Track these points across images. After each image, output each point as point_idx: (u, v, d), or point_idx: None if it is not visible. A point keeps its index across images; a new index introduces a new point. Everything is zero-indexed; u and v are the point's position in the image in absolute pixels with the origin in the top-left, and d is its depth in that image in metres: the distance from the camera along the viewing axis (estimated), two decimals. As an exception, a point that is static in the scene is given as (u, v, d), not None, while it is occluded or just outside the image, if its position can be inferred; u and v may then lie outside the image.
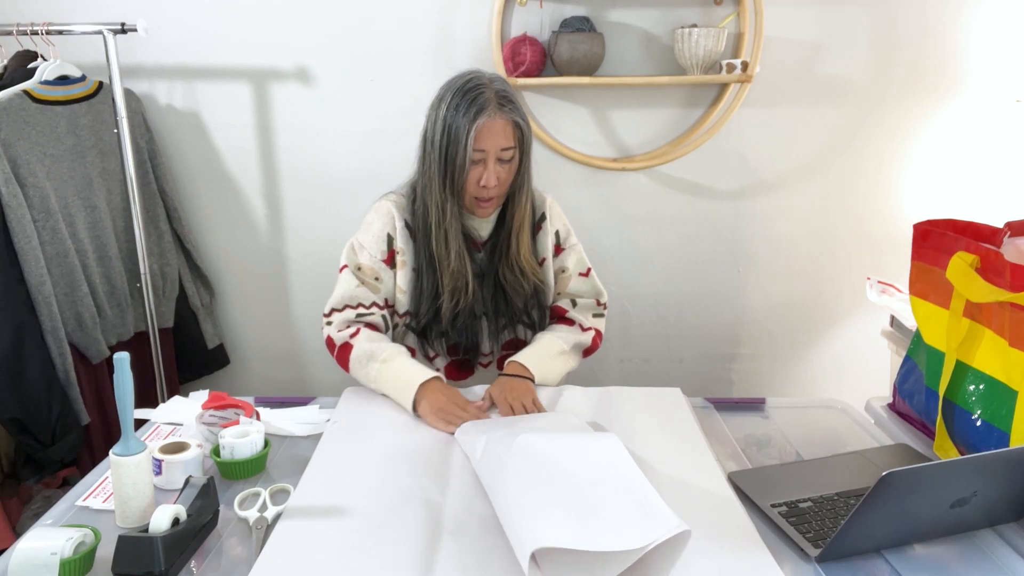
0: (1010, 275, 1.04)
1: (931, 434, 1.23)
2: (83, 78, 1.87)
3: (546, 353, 1.47)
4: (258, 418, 1.28)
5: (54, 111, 1.78)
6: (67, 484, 1.89)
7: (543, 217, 1.54)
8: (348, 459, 1.16)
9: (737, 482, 1.12)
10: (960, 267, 1.12)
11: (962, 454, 1.16)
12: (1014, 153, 2.14)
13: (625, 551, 0.85)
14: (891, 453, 1.21)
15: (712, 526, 0.99)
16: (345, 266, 1.49)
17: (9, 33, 1.77)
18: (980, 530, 1.02)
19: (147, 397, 2.02)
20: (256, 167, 2.14)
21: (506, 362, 1.45)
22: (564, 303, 1.58)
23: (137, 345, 2.02)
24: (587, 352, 1.56)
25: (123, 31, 1.81)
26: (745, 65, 1.96)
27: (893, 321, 1.95)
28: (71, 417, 1.73)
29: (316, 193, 2.16)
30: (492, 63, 2.01)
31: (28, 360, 1.65)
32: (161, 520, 0.91)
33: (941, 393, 1.18)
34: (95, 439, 1.85)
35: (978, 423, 1.12)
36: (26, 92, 1.72)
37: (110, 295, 1.93)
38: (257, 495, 1.08)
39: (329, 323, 1.47)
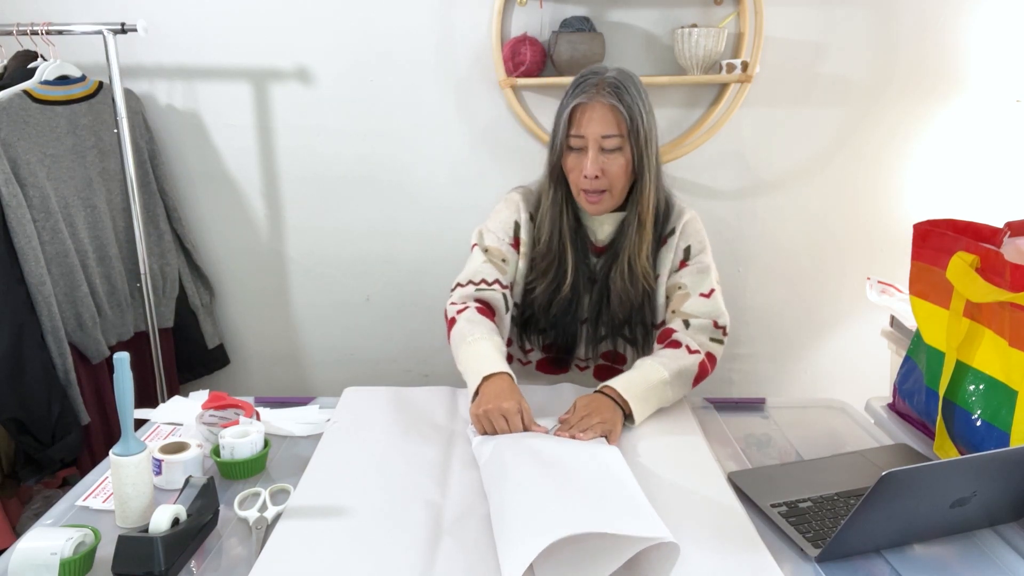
0: (1010, 275, 1.04)
1: (931, 434, 1.23)
2: (83, 78, 1.87)
3: (645, 381, 1.29)
4: (258, 418, 1.28)
5: (54, 111, 1.78)
6: (67, 484, 1.89)
7: (671, 232, 1.44)
8: (348, 459, 1.16)
9: (737, 482, 1.12)
10: (960, 267, 1.12)
11: (962, 454, 1.16)
12: (1014, 153, 2.14)
13: (615, 548, 0.85)
14: (891, 453, 1.21)
15: (712, 526, 0.99)
16: (475, 244, 1.48)
17: (9, 33, 1.77)
18: (980, 530, 1.01)
19: (147, 397, 2.02)
20: (256, 167, 2.14)
21: (603, 385, 1.30)
22: (675, 323, 1.42)
23: (137, 345, 2.02)
24: (696, 380, 1.37)
25: (123, 31, 1.81)
26: (745, 65, 1.96)
27: (893, 321, 1.95)
28: (71, 417, 1.73)
29: (316, 193, 2.17)
30: (492, 63, 2.01)
31: (28, 360, 1.65)
32: (161, 520, 0.91)
33: (941, 393, 1.18)
34: (95, 439, 1.85)
35: (978, 423, 1.12)
36: (26, 92, 1.72)
37: (110, 295, 1.93)
38: (257, 495, 1.08)
39: (451, 297, 1.45)
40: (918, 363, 1.29)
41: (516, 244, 1.47)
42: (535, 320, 1.49)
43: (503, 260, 1.46)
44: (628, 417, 1.26)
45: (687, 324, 1.42)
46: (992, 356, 1.11)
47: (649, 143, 1.36)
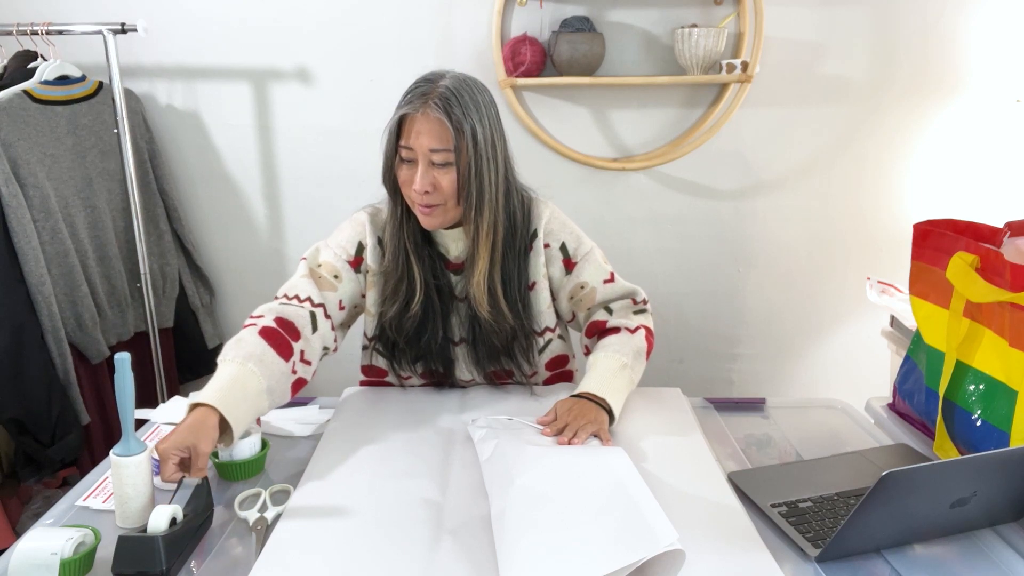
0: (1010, 275, 1.04)
1: (931, 434, 1.23)
2: (83, 78, 1.87)
3: (610, 373, 1.29)
4: (258, 419, 1.28)
5: (54, 111, 1.78)
6: (67, 484, 1.89)
7: (534, 235, 1.36)
8: (348, 459, 1.16)
9: (737, 482, 1.11)
10: (960, 267, 1.12)
11: (962, 454, 1.16)
12: (1014, 153, 2.14)
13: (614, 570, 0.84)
14: (891, 453, 1.21)
15: (712, 526, 0.99)
16: (303, 259, 1.36)
17: (9, 33, 1.77)
18: (980, 530, 1.01)
19: (147, 397, 2.02)
20: (256, 167, 2.14)
21: (576, 392, 1.29)
22: (600, 314, 1.41)
23: (137, 345, 2.02)
24: (646, 354, 1.37)
25: (123, 31, 1.81)
26: (745, 65, 1.96)
27: (893, 321, 1.95)
28: (71, 417, 1.73)
29: (316, 193, 2.17)
30: (492, 63, 2.01)
31: (28, 360, 1.65)
32: (159, 520, 0.91)
33: (941, 393, 1.18)
34: (95, 439, 1.85)
35: (978, 423, 1.12)
36: (26, 92, 1.72)
37: (110, 295, 1.93)
38: (257, 496, 1.08)
39: (252, 314, 1.30)
40: (918, 363, 1.29)
41: (356, 263, 1.35)
42: (399, 347, 1.37)
43: (335, 276, 1.33)
44: (609, 413, 1.25)
45: (610, 311, 1.41)
46: (992, 356, 1.11)
47: (486, 158, 1.24)
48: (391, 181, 1.30)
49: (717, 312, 2.30)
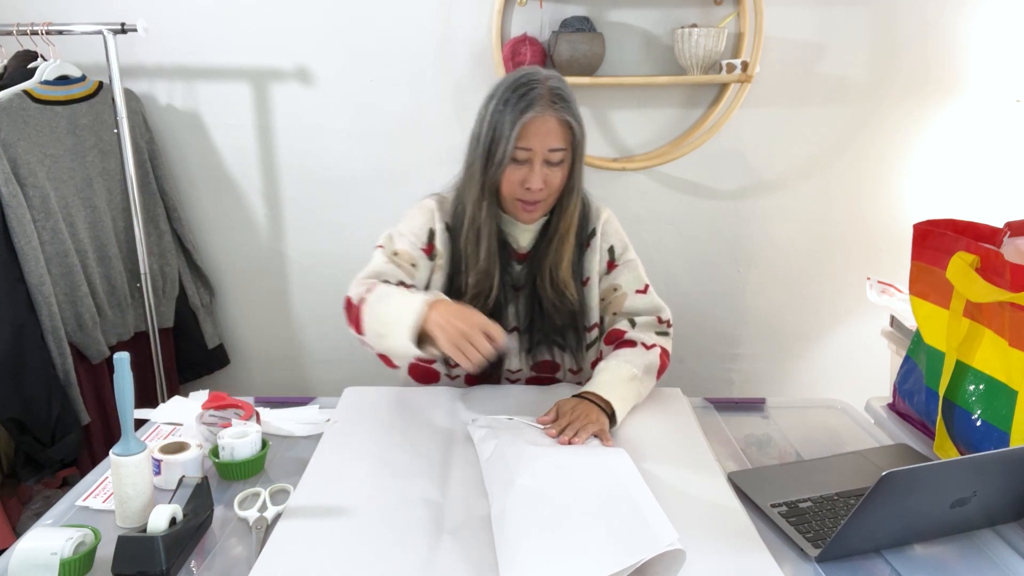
0: (1010, 275, 1.04)
1: (931, 434, 1.23)
2: (83, 78, 1.87)
3: (617, 379, 1.30)
4: (258, 418, 1.28)
5: (54, 111, 1.78)
6: (67, 484, 1.89)
7: (592, 233, 1.43)
8: (348, 459, 1.16)
9: (737, 482, 1.11)
10: (960, 267, 1.12)
11: (962, 454, 1.16)
12: (1014, 153, 2.14)
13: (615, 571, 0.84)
14: (891, 453, 1.21)
15: (712, 526, 0.99)
16: (380, 247, 1.39)
17: (9, 33, 1.77)
18: (980, 530, 1.01)
19: (147, 397, 2.02)
20: (256, 167, 2.14)
21: (581, 391, 1.30)
22: (622, 324, 1.42)
23: (137, 345, 2.02)
24: (658, 374, 1.39)
25: (123, 31, 1.81)
26: (745, 65, 1.96)
27: (893, 321, 1.95)
28: (71, 417, 1.73)
29: (316, 193, 2.17)
30: (492, 63, 2.01)
31: (28, 360, 1.65)
32: (159, 520, 0.91)
33: (941, 393, 1.18)
34: (95, 439, 1.85)
35: (978, 423, 1.12)
36: (26, 92, 1.72)
37: (110, 295, 1.93)
38: (257, 495, 1.08)
39: (353, 291, 1.33)
40: (918, 363, 1.29)
41: (428, 251, 1.39)
42: None
43: (412, 264, 1.37)
44: (611, 418, 1.26)
45: (633, 323, 1.43)
46: (992, 356, 1.11)
47: (583, 154, 1.34)
48: (495, 182, 1.31)
49: (717, 312, 2.30)
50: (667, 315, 1.45)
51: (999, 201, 2.16)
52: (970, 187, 2.17)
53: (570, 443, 1.15)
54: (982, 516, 0.99)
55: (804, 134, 2.15)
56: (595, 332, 1.46)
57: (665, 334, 1.43)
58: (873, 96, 2.11)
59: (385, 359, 1.32)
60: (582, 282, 1.43)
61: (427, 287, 1.41)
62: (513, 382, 1.49)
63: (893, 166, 2.17)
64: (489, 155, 1.29)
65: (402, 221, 1.42)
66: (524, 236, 1.40)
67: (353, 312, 1.29)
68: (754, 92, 2.08)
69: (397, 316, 1.18)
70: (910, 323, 1.82)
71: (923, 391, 1.25)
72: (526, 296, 1.41)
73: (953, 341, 1.16)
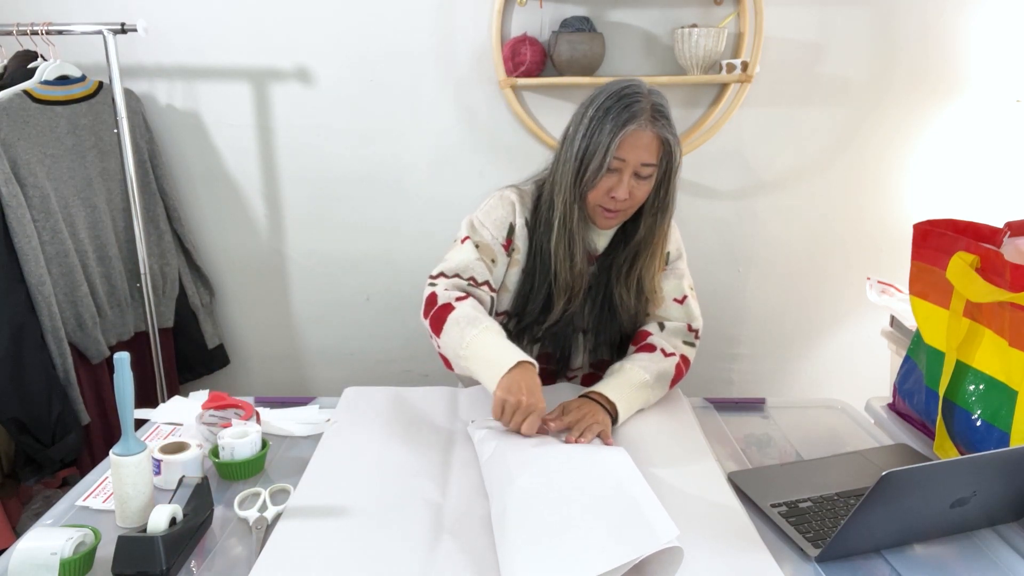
0: (1010, 275, 1.04)
1: (931, 434, 1.23)
2: (83, 78, 1.87)
3: (629, 385, 1.31)
4: (258, 418, 1.28)
5: (54, 111, 1.78)
6: (67, 484, 1.89)
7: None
8: (348, 459, 1.16)
9: (737, 482, 1.12)
10: (960, 267, 1.12)
11: (962, 454, 1.16)
12: (1014, 153, 2.14)
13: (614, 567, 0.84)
14: (891, 453, 1.21)
15: (712, 526, 0.99)
16: (467, 237, 1.39)
17: (9, 33, 1.77)
18: (980, 530, 1.02)
19: (147, 397, 2.02)
20: (256, 167, 2.14)
21: (588, 390, 1.32)
22: (651, 326, 1.44)
23: (137, 345, 2.02)
24: (672, 382, 1.39)
25: (123, 31, 1.81)
26: (745, 65, 1.96)
27: (893, 321, 1.95)
28: (71, 417, 1.73)
29: (316, 193, 2.17)
30: (492, 63, 2.01)
31: (28, 360, 1.65)
32: (159, 520, 0.91)
33: (941, 393, 1.18)
34: (95, 439, 1.85)
35: (978, 423, 1.12)
36: (26, 92, 1.72)
37: (110, 295, 1.93)
38: (257, 495, 1.08)
39: (434, 284, 1.36)
40: (918, 363, 1.29)
41: (507, 245, 1.40)
42: (530, 329, 1.44)
43: (492, 260, 1.39)
44: (614, 420, 1.27)
45: (662, 327, 1.44)
46: (992, 356, 1.11)
47: (677, 172, 1.34)
48: (588, 188, 1.31)
49: (717, 312, 2.30)
50: (697, 324, 1.47)
51: (999, 201, 2.16)
52: (970, 187, 2.17)
53: (576, 442, 1.16)
54: (982, 516, 0.99)
55: (804, 134, 2.14)
56: None
57: (691, 344, 1.44)
58: (873, 96, 2.11)
59: (445, 360, 1.34)
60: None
61: (501, 283, 1.43)
62: (571, 379, 1.51)
63: (893, 166, 2.17)
64: (584, 160, 1.30)
65: (481, 209, 1.43)
66: (601, 240, 1.42)
67: (437, 314, 1.30)
68: (754, 92, 2.08)
69: (487, 359, 1.22)
70: (910, 323, 1.82)
71: (923, 391, 1.25)
72: (597, 297, 1.43)
73: (953, 341, 1.16)
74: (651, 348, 1.40)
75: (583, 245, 1.38)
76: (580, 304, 1.41)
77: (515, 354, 1.21)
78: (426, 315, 1.33)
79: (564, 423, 1.21)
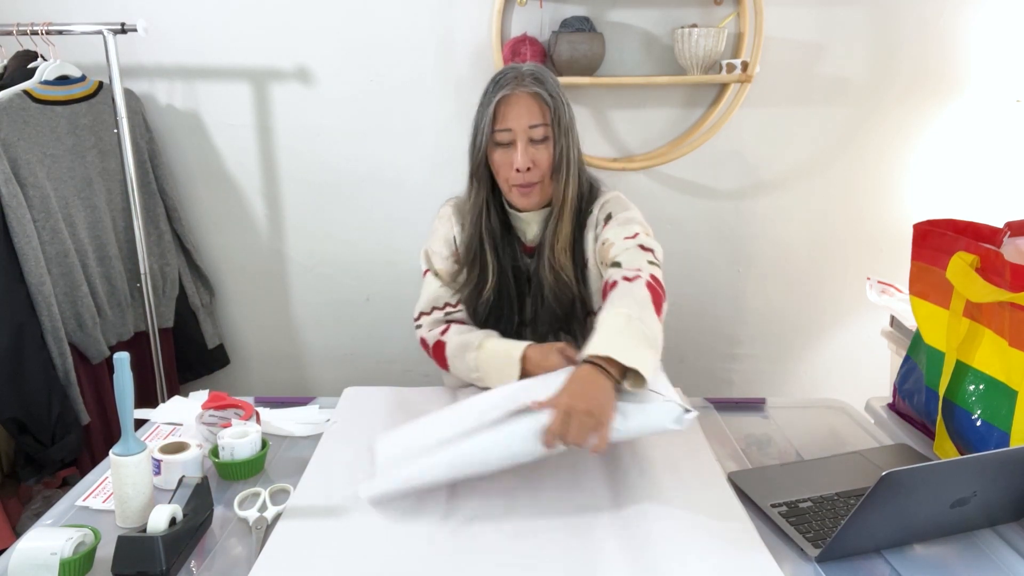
0: (1010, 275, 1.04)
1: (931, 434, 1.23)
2: (83, 78, 1.87)
3: (613, 329, 1.12)
4: (258, 418, 1.28)
5: (54, 111, 1.78)
6: (67, 484, 1.89)
7: (589, 213, 1.40)
8: (348, 459, 1.17)
9: (737, 482, 1.12)
10: (960, 267, 1.12)
11: (962, 454, 1.16)
12: (1014, 153, 2.14)
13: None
14: (891, 453, 1.21)
15: (712, 526, 0.99)
16: (427, 270, 1.48)
17: (9, 33, 1.77)
18: (980, 530, 1.02)
19: (147, 397, 2.02)
20: (256, 167, 2.14)
21: (580, 358, 1.12)
22: (609, 274, 1.28)
23: (137, 345, 2.02)
24: (655, 305, 1.19)
25: (123, 31, 1.81)
26: (745, 65, 1.96)
27: (893, 321, 1.95)
28: (71, 417, 1.73)
29: (316, 193, 2.16)
30: (492, 63, 2.01)
31: (28, 360, 1.65)
32: (159, 520, 0.91)
33: (941, 393, 1.18)
34: (95, 439, 1.85)
35: (978, 423, 1.12)
36: (26, 92, 1.72)
37: (110, 295, 1.93)
38: (257, 495, 1.08)
39: (419, 326, 1.46)
40: (918, 363, 1.29)
41: (455, 256, 1.46)
42: (497, 326, 1.44)
43: (453, 279, 1.45)
44: (626, 376, 1.08)
45: (618, 264, 1.29)
46: (992, 356, 1.11)
47: (571, 133, 1.35)
48: (482, 171, 1.36)
49: (717, 312, 2.30)
50: (651, 244, 1.32)
51: (999, 201, 2.16)
52: (970, 187, 2.17)
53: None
54: (982, 516, 0.99)
55: (804, 134, 2.14)
56: None
57: (655, 264, 1.28)
58: (873, 96, 2.11)
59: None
60: (582, 267, 1.40)
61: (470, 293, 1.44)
62: None
63: (893, 166, 2.17)
64: (476, 143, 1.35)
65: (430, 237, 1.50)
66: (530, 228, 1.42)
67: (436, 355, 1.41)
68: (754, 92, 2.08)
69: (498, 367, 1.30)
70: (910, 323, 1.82)
71: (923, 391, 1.25)
72: (535, 289, 1.43)
73: (953, 341, 1.16)
74: (612, 285, 1.24)
75: (498, 231, 1.40)
76: (516, 297, 1.42)
77: (516, 345, 1.28)
78: (432, 357, 1.43)
79: (551, 435, 1.02)
